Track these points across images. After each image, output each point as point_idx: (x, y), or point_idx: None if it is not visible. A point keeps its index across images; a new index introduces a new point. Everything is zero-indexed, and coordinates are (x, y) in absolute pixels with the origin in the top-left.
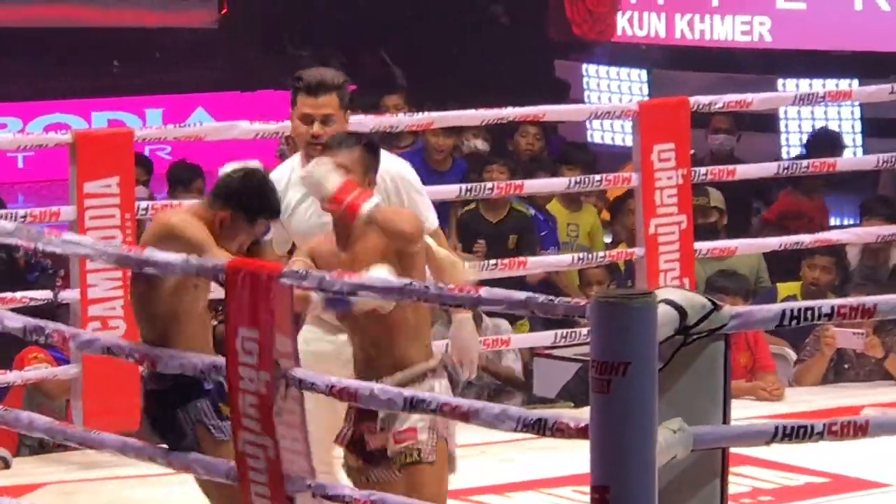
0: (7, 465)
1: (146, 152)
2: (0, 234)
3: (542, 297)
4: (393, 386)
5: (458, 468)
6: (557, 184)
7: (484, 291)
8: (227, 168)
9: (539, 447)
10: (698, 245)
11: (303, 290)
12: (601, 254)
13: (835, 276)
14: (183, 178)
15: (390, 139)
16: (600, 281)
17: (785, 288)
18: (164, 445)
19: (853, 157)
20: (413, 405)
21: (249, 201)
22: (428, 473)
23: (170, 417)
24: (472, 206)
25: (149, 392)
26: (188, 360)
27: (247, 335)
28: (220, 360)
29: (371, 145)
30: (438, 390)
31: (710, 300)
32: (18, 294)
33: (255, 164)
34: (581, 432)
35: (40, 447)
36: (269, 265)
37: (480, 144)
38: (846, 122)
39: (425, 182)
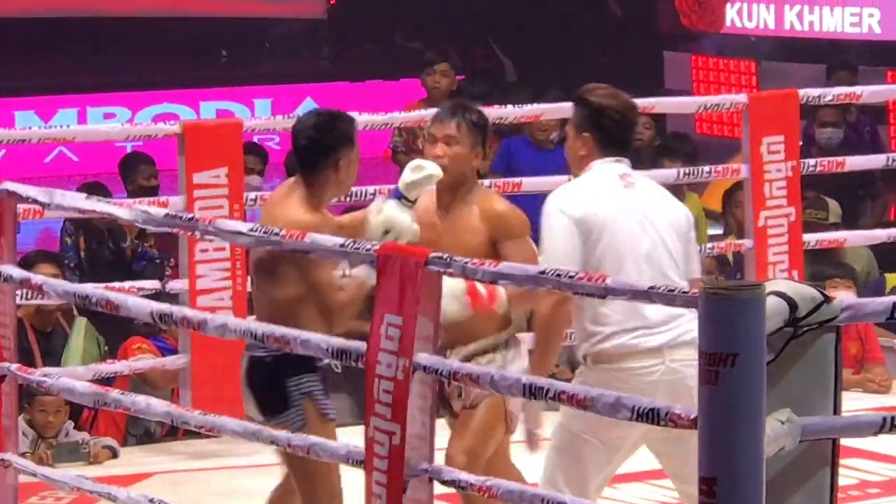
0: (115, 455)
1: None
2: (151, 222)
3: (662, 287)
4: (462, 358)
5: (515, 429)
6: (667, 175)
7: (610, 281)
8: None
9: None
10: (807, 237)
11: (449, 276)
12: (710, 245)
13: None
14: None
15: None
16: (710, 271)
17: (893, 278)
18: (259, 415)
19: None
20: (532, 392)
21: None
22: (472, 416)
23: (277, 387)
24: None
25: (254, 359)
26: (321, 343)
27: (391, 321)
28: (356, 345)
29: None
30: (501, 363)
31: (820, 292)
32: (126, 284)
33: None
34: (694, 423)
35: (147, 437)
36: (418, 251)
37: None
38: None
39: (529, 160)
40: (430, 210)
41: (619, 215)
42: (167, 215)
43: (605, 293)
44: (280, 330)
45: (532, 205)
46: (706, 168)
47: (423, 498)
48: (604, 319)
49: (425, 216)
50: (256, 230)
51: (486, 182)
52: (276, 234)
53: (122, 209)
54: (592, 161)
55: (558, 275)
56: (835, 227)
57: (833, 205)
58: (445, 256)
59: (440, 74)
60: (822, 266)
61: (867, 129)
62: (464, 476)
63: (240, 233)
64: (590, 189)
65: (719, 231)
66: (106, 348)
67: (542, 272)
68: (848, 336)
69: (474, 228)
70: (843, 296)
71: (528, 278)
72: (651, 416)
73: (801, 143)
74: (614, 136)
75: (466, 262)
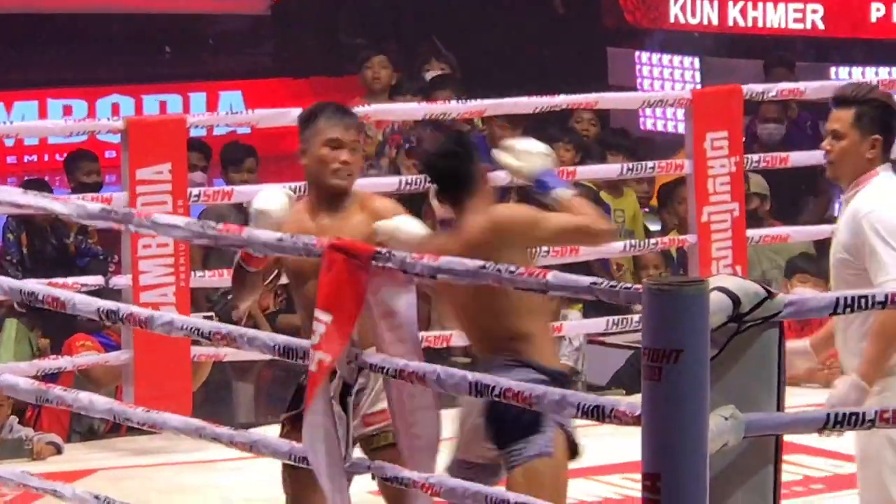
0: (59, 451)
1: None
2: (86, 216)
3: (606, 283)
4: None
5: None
6: (610, 170)
7: (552, 276)
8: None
9: (589, 434)
10: (750, 233)
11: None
12: (654, 241)
13: None
14: (234, 157)
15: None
16: (657, 265)
17: None
18: (493, 437)
19: None
20: (478, 390)
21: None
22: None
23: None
24: None
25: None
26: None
27: (321, 318)
28: (300, 342)
29: None
30: None
31: (764, 288)
32: (70, 280)
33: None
34: (638, 420)
35: (90, 433)
36: (361, 247)
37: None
38: None
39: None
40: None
41: None
42: (103, 210)
43: (545, 289)
44: (226, 328)
45: None
46: (649, 164)
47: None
48: None
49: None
50: (192, 224)
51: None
52: (213, 227)
53: (58, 203)
54: (877, 166)
55: (499, 270)
56: (758, 197)
57: (755, 177)
58: (386, 252)
59: (379, 66)
60: (796, 259)
61: (808, 123)
62: (406, 473)
63: (175, 226)
64: None
65: (657, 227)
66: (38, 349)
67: (483, 267)
68: (790, 331)
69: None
70: (808, 293)
71: (469, 272)
72: (596, 413)
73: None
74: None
75: (405, 258)
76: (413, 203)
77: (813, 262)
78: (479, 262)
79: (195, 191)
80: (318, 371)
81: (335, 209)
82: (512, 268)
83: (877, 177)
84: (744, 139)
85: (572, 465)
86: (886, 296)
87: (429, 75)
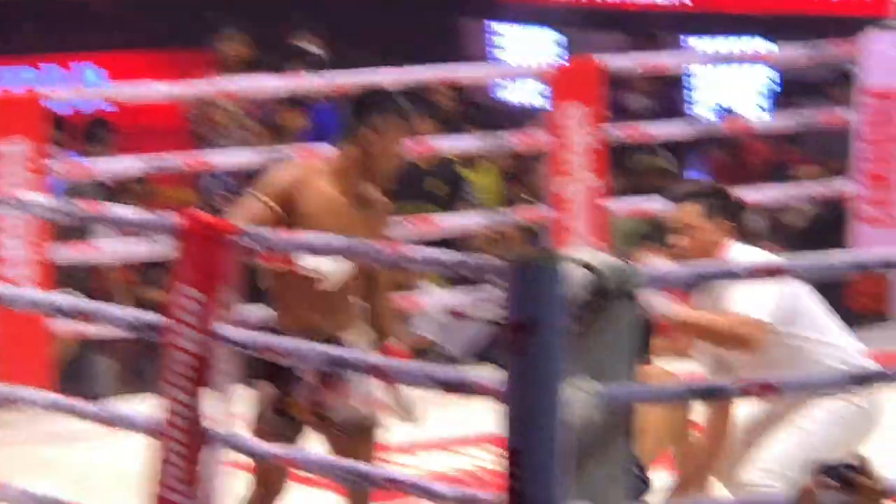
0: None
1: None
2: None
3: (472, 259)
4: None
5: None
6: (468, 143)
7: (415, 251)
8: None
9: (448, 407)
10: (609, 205)
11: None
12: (513, 214)
13: None
14: (90, 132)
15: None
16: (512, 240)
17: None
18: None
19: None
20: (338, 363)
21: None
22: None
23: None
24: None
25: None
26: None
27: (191, 294)
28: (152, 317)
29: None
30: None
31: (624, 261)
32: None
33: None
34: (498, 392)
35: None
36: (219, 223)
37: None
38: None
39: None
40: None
41: None
42: None
43: (414, 264)
44: (83, 304)
45: None
46: (509, 136)
47: (217, 467)
48: None
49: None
50: (53, 202)
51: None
52: (73, 204)
53: None
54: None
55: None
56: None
57: (664, 153)
58: (248, 227)
59: (236, 42)
60: (645, 229)
61: (672, 98)
62: (259, 445)
63: (36, 204)
64: None
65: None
66: None
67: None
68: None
69: None
70: (660, 262)
71: (338, 250)
72: (455, 386)
73: (610, 111)
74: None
75: (263, 233)
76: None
77: (661, 231)
78: (346, 239)
79: (51, 163)
80: (201, 350)
81: (367, 200)
82: (381, 245)
83: (730, 250)
84: (611, 111)
85: (433, 436)
86: (744, 268)
87: (296, 47)
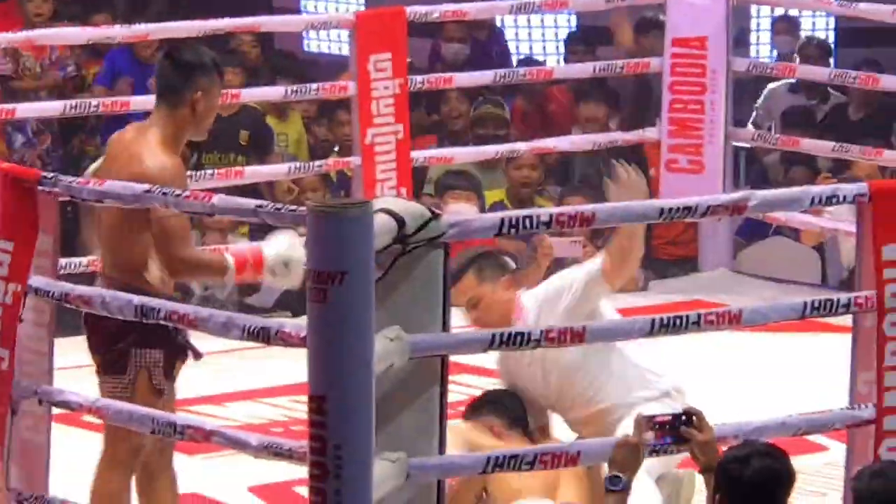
0: None
1: None
2: None
3: (271, 206)
4: None
5: None
6: (273, 93)
7: (217, 199)
8: None
9: (257, 357)
10: (415, 154)
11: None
12: (318, 163)
13: (540, 174)
14: None
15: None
16: (315, 189)
17: (490, 195)
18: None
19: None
20: (144, 313)
21: None
22: None
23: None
24: None
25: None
26: None
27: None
28: None
29: None
30: None
31: (429, 209)
32: None
33: None
34: (304, 341)
35: None
36: (26, 171)
37: None
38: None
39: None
40: None
41: None
42: None
43: (212, 212)
44: None
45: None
46: (313, 86)
47: (36, 420)
48: None
49: None
50: None
51: (94, 101)
52: None
53: None
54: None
55: (164, 193)
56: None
57: (495, 99)
58: (52, 176)
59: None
60: (445, 176)
61: (496, 48)
62: (74, 397)
63: None
64: None
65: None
66: None
67: (148, 191)
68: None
69: None
70: (461, 208)
71: (135, 197)
72: (261, 335)
73: (428, 59)
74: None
75: (72, 182)
76: None
77: (463, 177)
78: (145, 186)
79: None
80: (13, 302)
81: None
82: (177, 192)
83: (522, 298)
84: (429, 59)
85: (242, 387)
86: (550, 215)
87: None
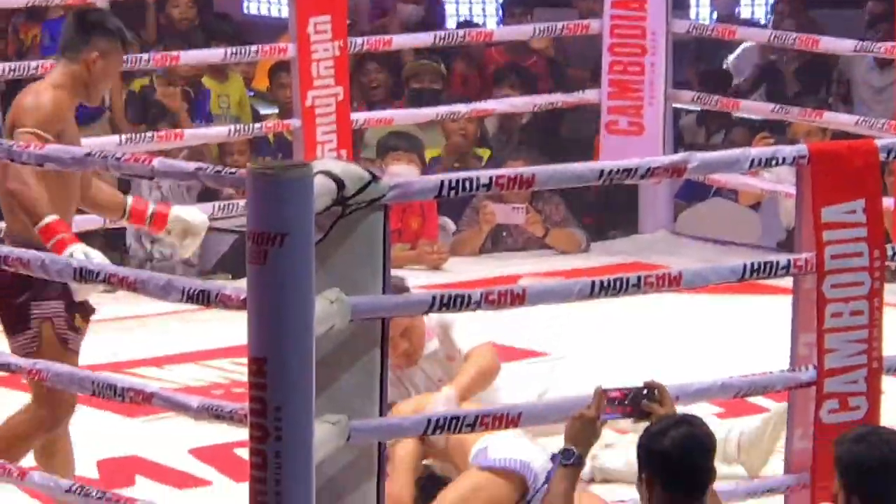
0: None
1: None
2: None
3: (210, 168)
4: None
5: None
6: (213, 55)
7: (157, 162)
8: None
9: (198, 319)
10: (355, 116)
11: None
12: (258, 125)
13: (476, 126)
14: None
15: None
16: (242, 151)
17: (429, 153)
18: None
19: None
20: (83, 276)
21: None
22: None
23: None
24: (146, 79)
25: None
26: None
27: None
28: None
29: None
30: None
31: (368, 171)
32: None
33: None
34: (244, 304)
35: None
36: None
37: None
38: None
39: None
40: None
41: None
42: None
43: (152, 174)
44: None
45: None
46: (253, 48)
47: None
48: None
49: None
50: None
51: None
52: None
53: None
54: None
55: (104, 156)
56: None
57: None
58: None
59: None
60: (387, 137)
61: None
62: (12, 360)
63: None
64: None
65: (274, 111)
66: None
67: (89, 154)
68: (412, 211)
69: None
70: (403, 169)
71: (75, 161)
72: (201, 297)
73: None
74: None
75: (11, 145)
76: None
77: (405, 139)
78: (86, 150)
79: None
80: None
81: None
82: (118, 154)
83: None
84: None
85: (183, 349)
86: (490, 177)
87: None
